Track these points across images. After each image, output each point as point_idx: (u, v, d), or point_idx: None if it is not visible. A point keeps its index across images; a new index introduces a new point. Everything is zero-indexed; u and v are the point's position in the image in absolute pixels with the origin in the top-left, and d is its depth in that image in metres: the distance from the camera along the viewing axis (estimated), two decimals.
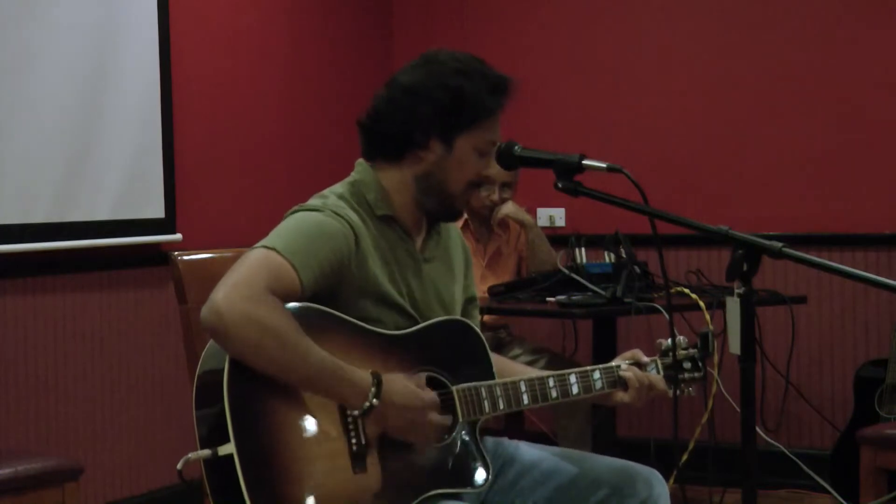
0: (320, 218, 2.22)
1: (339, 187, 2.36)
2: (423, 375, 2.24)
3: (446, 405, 2.26)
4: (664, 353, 2.58)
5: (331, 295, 2.20)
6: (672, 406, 2.43)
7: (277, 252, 2.12)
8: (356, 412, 2.12)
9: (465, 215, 4.40)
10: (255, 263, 2.10)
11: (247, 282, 2.06)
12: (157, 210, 4.42)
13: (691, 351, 2.59)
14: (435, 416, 2.20)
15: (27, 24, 3.95)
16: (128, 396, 4.37)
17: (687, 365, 2.59)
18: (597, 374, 2.46)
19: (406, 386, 2.17)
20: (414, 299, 2.33)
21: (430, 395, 2.20)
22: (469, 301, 2.54)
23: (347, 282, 2.23)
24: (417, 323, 2.33)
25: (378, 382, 2.12)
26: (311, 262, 2.15)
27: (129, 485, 4.37)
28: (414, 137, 2.32)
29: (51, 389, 4.10)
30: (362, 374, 2.12)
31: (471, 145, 2.33)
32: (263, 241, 2.16)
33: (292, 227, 2.21)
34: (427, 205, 2.36)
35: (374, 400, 2.11)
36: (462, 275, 2.52)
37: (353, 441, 2.13)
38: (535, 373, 2.48)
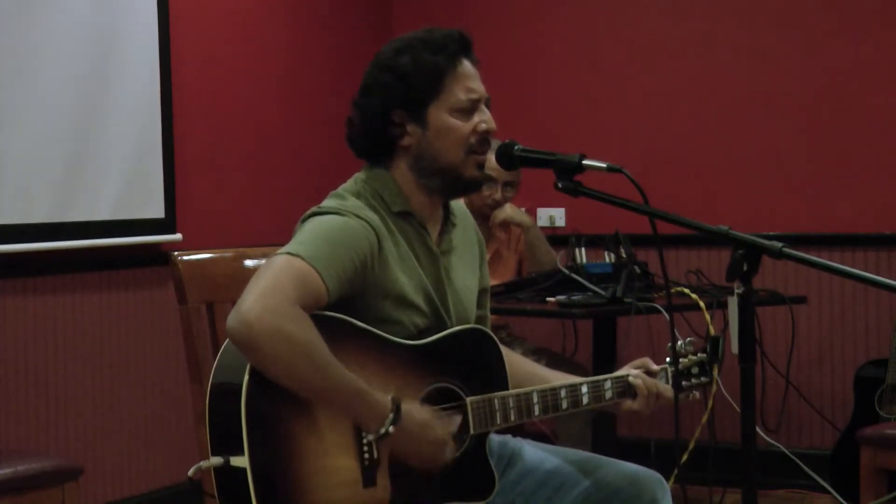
0: (342, 221, 2.20)
1: (355, 185, 2.34)
2: (452, 416, 2.23)
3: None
4: (677, 356, 2.54)
5: (352, 296, 2.19)
6: (672, 406, 2.43)
7: (302, 259, 2.09)
8: (371, 436, 2.11)
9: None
10: (280, 272, 2.07)
11: (274, 292, 2.02)
12: (157, 210, 4.41)
13: (700, 356, 2.57)
14: (447, 451, 2.20)
15: (27, 24, 3.95)
16: (128, 396, 4.37)
17: (695, 370, 2.57)
18: (607, 384, 2.44)
19: (423, 417, 2.16)
20: (431, 296, 2.32)
21: (446, 428, 2.20)
22: (483, 292, 2.53)
23: (369, 283, 2.22)
24: (435, 321, 2.32)
25: (397, 409, 2.11)
26: (336, 268, 2.13)
27: (129, 485, 4.37)
28: (388, 130, 2.31)
29: (51, 389, 4.10)
30: (383, 399, 2.10)
31: (443, 111, 2.29)
32: (286, 248, 2.13)
33: (314, 232, 2.17)
34: (434, 186, 2.33)
35: (391, 427, 2.10)
36: (478, 266, 2.51)
37: (366, 456, 2.13)
38: (548, 373, 2.48)
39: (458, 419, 2.24)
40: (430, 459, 2.19)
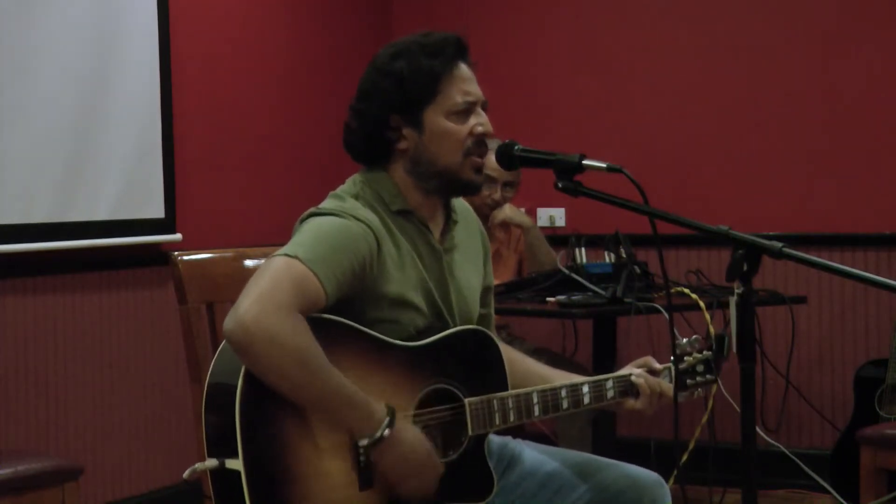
0: (341, 223, 2.19)
1: (353, 186, 2.34)
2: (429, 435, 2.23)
3: (458, 418, 2.26)
4: (680, 356, 2.54)
5: (350, 298, 2.19)
6: (672, 406, 2.43)
7: (300, 261, 2.09)
8: (364, 442, 2.10)
9: None
10: (279, 274, 2.06)
11: (271, 295, 2.02)
12: (157, 210, 4.41)
13: (706, 354, 2.56)
14: (435, 471, 2.19)
15: (27, 24, 3.95)
16: (128, 396, 4.37)
17: (700, 368, 2.56)
18: (609, 384, 2.44)
19: (417, 435, 2.16)
20: (432, 295, 2.32)
21: (434, 454, 2.19)
22: (486, 290, 2.53)
23: (367, 285, 2.21)
24: (436, 320, 2.32)
25: (391, 416, 2.11)
26: (335, 270, 2.12)
27: (129, 485, 4.37)
28: (385, 135, 2.32)
29: (51, 389, 4.10)
30: (377, 406, 2.10)
31: (440, 114, 2.30)
32: (285, 250, 2.12)
33: (313, 234, 2.17)
34: (432, 188, 2.33)
35: (386, 431, 2.09)
36: (482, 264, 2.51)
37: (362, 458, 2.13)
38: (547, 372, 2.47)
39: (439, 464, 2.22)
40: (416, 474, 2.17)
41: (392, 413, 2.11)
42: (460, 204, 2.51)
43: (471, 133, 2.31)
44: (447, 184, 2.33)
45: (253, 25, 4.95)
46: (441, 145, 2.30)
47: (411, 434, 2.15)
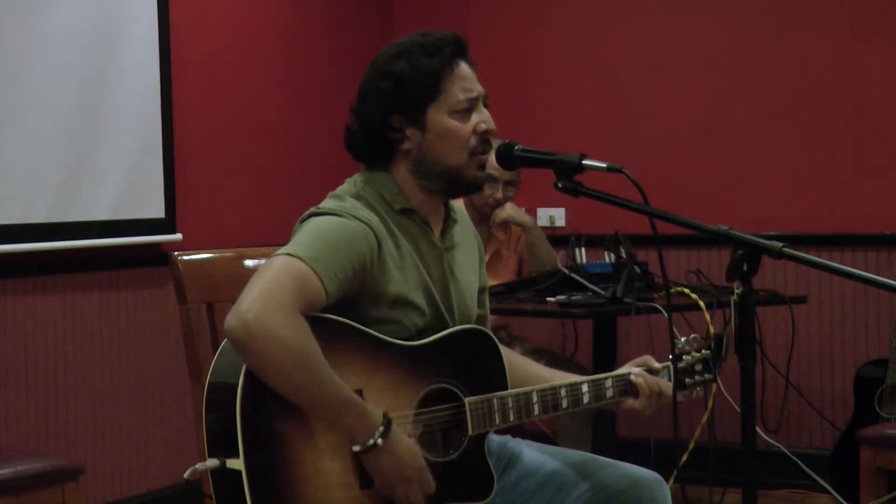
0: (341, 223, 2.20)
1: (353, 186, 2.34)
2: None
3: (458, 417, 2.26)
4: (679, 356, 2.54)
5: (351, 297, 2.19)
6: (672, 406, 2.43)
7: (301, 260, 2.09)
8: (357, 447, 2.10)
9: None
10: (280, 272, 2.06)
11: (273, 294, 2.02)
12: (157, 210, 4.42)
13: (704, 353, 2.57)
14: (425, 486, 2.18)
15: (27, 24, 3.95)
16: (128, 396, 4.37)
17: (698, 367, 2.56)
18: (608, 383, 2.44)
19: (411, 445, 2.15)
20: (432, 294, 2.32)
21: (427, 472, 2.18)
22: (482, 291, 2.53)
23: (367, 284, 2.22)
24: (435, 320, 2.32)
25: (387, 424, 2.10)
26: (336, 269, 2.13)
27: (129, 485, 4.37)
28: (387, 135, 2.32)
29: (51, 389, 4.10)
30: (374, 412, 2.10)
31: (443, 113, 2.30)
32: (286, 249, 2.13)
33: (314, 233, 2.17)
34: (436, 188, 2.33)
35: (380, 440, 2.09)
36: (478, 264, 2.52)
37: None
38: (548, 373, 2.48)
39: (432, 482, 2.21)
40: (405, 486, 2.16)
41: (388, 422, 2.11)
42: (456, 205, 2.51)
43: (475, 131, 2.32)
44: (451, 183, 2.34)
45: (253, 26, 4.95)
46: (445, 144, 2.30)
47: (406, 445, 2.14)
